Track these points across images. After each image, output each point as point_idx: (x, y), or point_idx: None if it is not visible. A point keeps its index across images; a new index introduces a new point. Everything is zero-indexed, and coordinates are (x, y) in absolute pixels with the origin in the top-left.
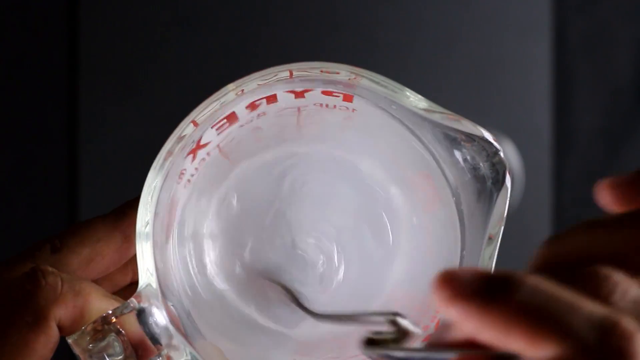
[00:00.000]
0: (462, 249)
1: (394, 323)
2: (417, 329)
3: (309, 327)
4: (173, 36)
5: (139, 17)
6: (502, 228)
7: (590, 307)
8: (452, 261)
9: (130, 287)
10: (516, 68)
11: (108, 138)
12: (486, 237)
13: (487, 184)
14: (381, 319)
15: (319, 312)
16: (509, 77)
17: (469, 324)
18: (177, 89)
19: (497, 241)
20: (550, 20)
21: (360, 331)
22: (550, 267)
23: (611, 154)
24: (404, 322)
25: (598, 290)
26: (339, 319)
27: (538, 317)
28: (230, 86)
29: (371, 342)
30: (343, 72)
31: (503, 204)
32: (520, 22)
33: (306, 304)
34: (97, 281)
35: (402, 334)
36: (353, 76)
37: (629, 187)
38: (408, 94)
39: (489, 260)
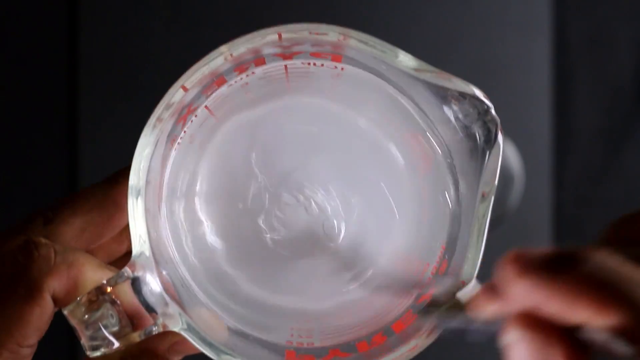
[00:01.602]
0: (456, 208)
1: (450, 295)
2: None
3: (307, 293)
4: (173, 36)
5: (139, 17)
6: (495, 185)
7: None
8: (447, 220)
9: (125, 257)
10: (516, 68)
11: (108, 138)
12: (479, 195)
13: (479, 141)
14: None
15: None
16: (509, 77)
17: (535, 297)
18: None
19: (491, 198)
20: (550, 20)
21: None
22: (619, 243)
23: (611, 154)
24: (460, 294)
25: None
26: (391, 290)
27: (603, 288)
28: (221, 49)
29: (428, 311)
30: (332, 33)
31: (495, 161)
32: (520, 22)
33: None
34: (92, 251)
35: (455, 305)
36: (342, 37)
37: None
38: (398, 53)
39: (482, 217)
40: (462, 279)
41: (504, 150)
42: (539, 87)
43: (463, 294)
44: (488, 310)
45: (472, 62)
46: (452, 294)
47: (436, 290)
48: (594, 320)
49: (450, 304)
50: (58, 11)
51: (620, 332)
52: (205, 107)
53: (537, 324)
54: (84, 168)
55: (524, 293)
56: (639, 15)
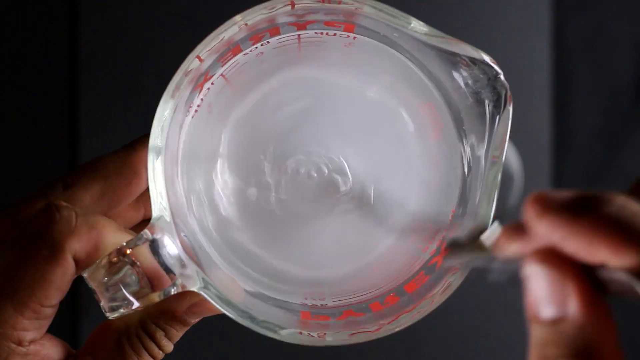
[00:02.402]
0: (467, 173)
1: (473, 235)
2: (490, 242)
3: (321, 259)
4: (173, 36)
5: (140, 16)
6: (505, 150)
7: None
8: (457, 185)
9: (142, 225)
10: (515, 68)
11: (108, 138)
12: (489, 159)
13: (489, 107)
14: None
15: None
16: (508, 77)
17: (556, 235)
18: None
19: (501, 163)
20: (549, 20)
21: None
22: None
23: (611, 153)
24: (484, 235)
25: None
26: (411, 229)
27: (623, 229)
28: (235, 18)
29: (452, 252)
30: (346, 0)
31: (505, 126)
32: (519, 22)
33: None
34: (110, 218)
35: (478, 245)
36: (356, 5)
37: None
38: (410, 20)
39: (492, 182)
40: None
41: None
42: (539, 87)
43: (485, 235)
44: (510, 249)
45: None
46: (474, 235)
47: (457, 232)
48: (612, 259)
49: (473, 245)
50: (59, 10)
51: (638, 273)
52: (222, 75)
53: (556, 259)
54: None
55: (545, 231)
56: (638, 16)
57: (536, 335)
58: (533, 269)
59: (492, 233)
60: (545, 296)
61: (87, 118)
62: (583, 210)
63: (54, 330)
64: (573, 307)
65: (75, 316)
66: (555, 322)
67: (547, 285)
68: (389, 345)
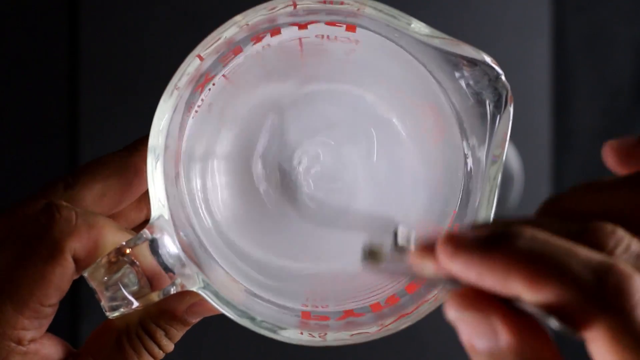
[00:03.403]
0: (468, 172)
1: (394, 235)
2: (413, 243)
3: (321, 259)
4: (173, 36)
5: (140, 17)
6: (506, 149)
7: (587, 253)
8: (459, 185)
9: (144, 225)
10: (515, 68)
11: (108, 138)
12: (490, 158)
13: (490, 107)
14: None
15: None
16: (508, 77)
17: (471, 274)
18: None
19: (501, 161)
20: (549, 20)
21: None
22: (556, 220)
23: None
24: (402, 237)
25: (603, 244)
26: (337, 223)
27: (536, 262)
28: (236, 18)
29: (369, 256)
30: (347, 1)
31: (506, 126)
32: (519, 22)
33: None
34: (112, 218)
35: (399, 248)
36: (357, 7)
37: (631, 150)
38: (411, 21)
39: (493, 180)
40: None
41: None
42: (539, 87)
43: (400, 239)
44: (425, 268)
45: None
46: (392, 240)
47: (371, 235)
48: (526, 294)
49: (392, 250)
50: (59, 10)
51: (551, 306)
52: (223, 75)
53: (473, 298)
54: None
55: (459, 271)
56: (638, 16)
57: None
58: (455, 314)
59: (407, 238)
60: (474, 333)
61: (87, 118)
62: (493, 247)
63: (55, 329)
64: (503, 337)
65: (75, 316)
66: (492, 351)
67: (473, 326)
68: (389, 345)
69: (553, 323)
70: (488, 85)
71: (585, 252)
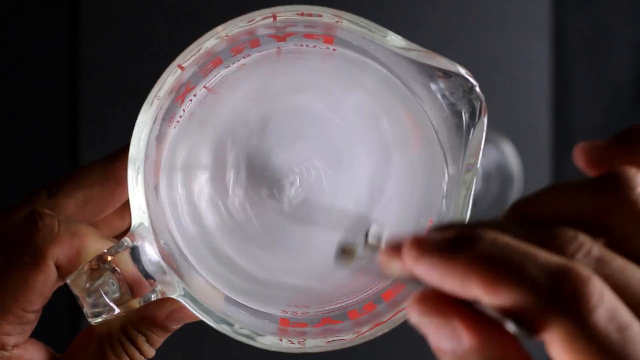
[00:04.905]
0: (444, 182)
1: (366, 234)
2: (384, 243)
3: (301, 266)
4: (174, 37)
5: (140, 17)
6: (480, 158)
7: (547, 256)
8: (434, 194)
9: (127, 232)
10: (515, 68)
11: (109, 138)
12: (464, 167)
13: (465, 118)
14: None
15: (297, 217)
16: (508, 77)
17: (433, 277)
18: None
19: (475, 169)
20: (549, 20)
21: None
22: (517, 224)
23: None
24: (373, 236)
25: (564, 249)
26: (313, 222)
27: (494, 266)
28: (217, 29)
29: (342, 254)
30: (325, 14)
31: (480, 135)
32: (519, 22)
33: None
34: (94, 226)
35: (371, 247)
36: (335, 19)
37: (602, 152)
38: (387, 33)
39: (467, 188)
40: None
41: (504, 150)
42: (538, 87)
43: (371, 237)
44: (393, 268)
45: (471, 62)
46: (363, 237)
47: (346, 235)
48: (485, 297)
49: (362, 248)
50: (59, 11)
51: (510, 309)
52: (205, 87)
53: (434, 301)
54: None
55: (423, 274)
56: (637, 16)
57: None
58: (417, 318)
59: (377, 236)
60: (437, 335)
61: (87, 119)
62: (454, 251)
63: (55, 329)
64: (464, 339)
65: (75, 317)
66: (457, 351)
67: (435, 329)
68: (390, 345)
69: (510, 327)
70: (463, 97)
71: (544, 256)
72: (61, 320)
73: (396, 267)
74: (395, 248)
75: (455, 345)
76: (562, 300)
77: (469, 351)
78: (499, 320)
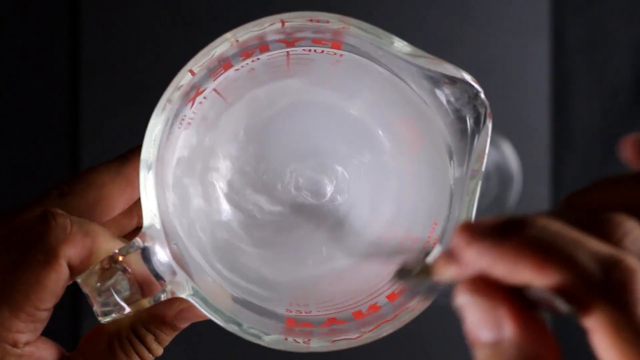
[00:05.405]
0: (448, 186)
1: (420, 259)
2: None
3: (302, 264)
4: (174, 36)
5: (140, 18)
6: (484, 164)
7: (597, 245)
8: (439, 198)
9: (135, 232)
10: (514, 68)
11: (109, 138)
12: (469, 172)
13: (469, 123)
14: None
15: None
16: (508, 77)
17: (483, 262)
18: None
19: (480, 175)
20: (548, 20)
21: (354, 272)
22: (570, 212)
23: (609, 153)
24: (430, 258)
25: (611, 235)
26: (371, 255)
27: (545, 250)
28: (226, 35)
29: (401, 274)
30: (333, 20)
31: (484, 142)
32: (518, 22)
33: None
34: (103, 225)
35: (424, 269)
36: (342, 25)
37: None
38: (393, 40)
39: (472, 193)
40: None
41: (503, 150)
42: (538, 87)
43: (431, 259)
44: (447, 273)
45: (471, 62)
46: (421, 259)
47: (407, 256)
48: (535, 280)
49: (419, 269)
50: (59, 11)
51: (559, 291)
52: (214, 90)
53: (485, 286)
54: (85, 167)
55: (473, 259)
56: (637, 16)
57: (479, 357)
58: (464, 299)
59: (436, 255)
60: (480, 322)
61: (88, 119)
62: (506, 235)
63: (55, 329)
64: (507, 329)
65: (76, 317)
66: (495, 343)
67: (479, 313)
68: (390, 345)
69: (561, 304)
70: (468, 103)
71: (593, 244)
72: (61, 320)
73: (450, 271)
74: (451, 253)
75: (496, 336)
76: (610, 290)
77: (507, 345)
78: (549, 300)
